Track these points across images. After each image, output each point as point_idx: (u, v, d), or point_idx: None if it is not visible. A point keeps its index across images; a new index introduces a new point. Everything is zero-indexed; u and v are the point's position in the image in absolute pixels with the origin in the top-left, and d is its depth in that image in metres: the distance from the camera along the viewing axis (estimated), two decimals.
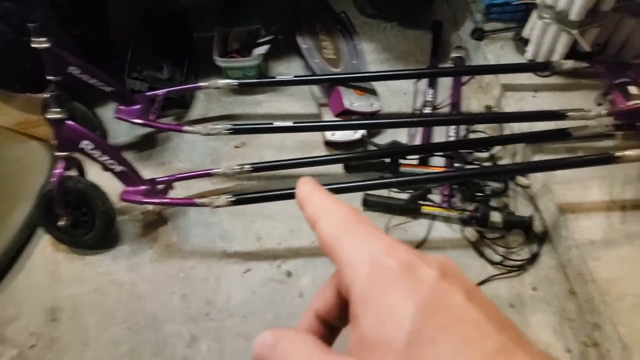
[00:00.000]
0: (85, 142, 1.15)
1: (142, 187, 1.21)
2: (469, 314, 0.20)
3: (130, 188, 1.21)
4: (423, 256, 0.22)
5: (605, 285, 1.09)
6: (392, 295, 0.21)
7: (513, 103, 1.32)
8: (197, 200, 1.16)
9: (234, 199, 1.12)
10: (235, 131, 1.23)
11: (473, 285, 0.22)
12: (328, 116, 1.37)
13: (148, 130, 1.43)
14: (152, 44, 1.42)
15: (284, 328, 0.25)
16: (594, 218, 1.17)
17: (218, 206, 1.14)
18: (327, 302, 0.27)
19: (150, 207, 1.32)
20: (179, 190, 1.33)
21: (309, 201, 0.26)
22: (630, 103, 1.21)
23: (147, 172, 1.39)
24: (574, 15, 1.21)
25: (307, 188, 0.27)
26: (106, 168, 1.18)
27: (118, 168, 1.18)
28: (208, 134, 1.25)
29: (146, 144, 1.44)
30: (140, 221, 1.31)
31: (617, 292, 1.08)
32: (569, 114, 1.19)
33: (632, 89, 1.24)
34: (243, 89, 1.47)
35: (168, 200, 1.20)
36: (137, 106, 1.31)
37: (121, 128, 1.44)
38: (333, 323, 0.28)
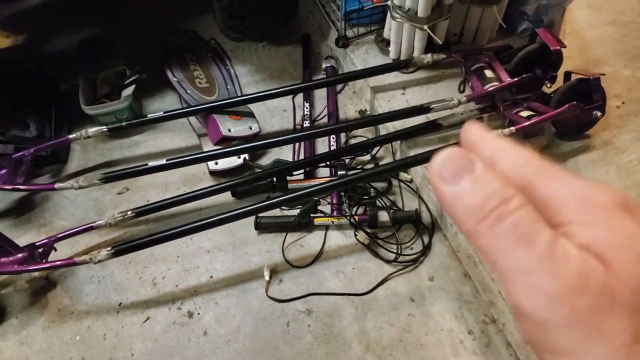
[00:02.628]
0: None
1: (18, 256, 1.14)
2: None
3: (3, 259, 1.14)
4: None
5: None
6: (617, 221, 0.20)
7: (384, 103, 1.36)
8: (78, 259, 1.11)
9: (113, 251, 1.08)
10: (108, 179, 1.19)
11: None
12: (209, 146, 1.35)
13: (23, 193, 1.35)
14: (12, 101, 1.35)
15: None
16: None
17: (100, 261, 1.09)
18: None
19: (35, 273, 1.25)
20: (65, 250, 1.27)
21: (483, 142, 0.24)
22: (487, 86, 1.27)
23: (28, 237, 1.32)
24: (421, 12, 1.26)
25: (476, 130, 0.25)
26: None
27: None
28: (81, 187, 1.20)
29: (24, 208, 1.36)
30: (26, 290, 1.23)
31: None
32: (433, 106, 1.24)
33: (488, 73, 1.31)
34: (119, 133, 1.42)
35: (47, 265, 1.14)
36: (2, 171, 1.24)
37: None
38: None
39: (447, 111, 1.29)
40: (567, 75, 1.27)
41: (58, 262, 1.15)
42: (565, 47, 1.25)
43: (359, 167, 1.34)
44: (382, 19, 1.46)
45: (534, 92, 1.30)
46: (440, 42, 1.30)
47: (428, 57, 1.32)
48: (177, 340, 1.14)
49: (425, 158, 1.17)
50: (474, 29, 1.40)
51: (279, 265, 1.23)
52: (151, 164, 1.21)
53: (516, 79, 1.25)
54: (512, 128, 1.15)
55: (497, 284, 1.11)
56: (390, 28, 1.37)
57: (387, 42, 1.42)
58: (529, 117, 1.21)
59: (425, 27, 1.27)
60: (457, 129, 1.34)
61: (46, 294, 1.23)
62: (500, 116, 1.28)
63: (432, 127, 1.26)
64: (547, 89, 1.30)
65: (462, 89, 1.34)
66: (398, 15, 1.30)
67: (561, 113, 1.18)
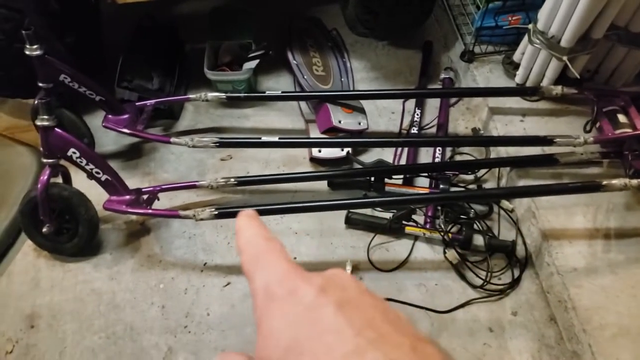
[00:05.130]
0: (72, 150, 1.15)
1: (127, 197, 1.21)
2: (335, 323, 0.22)
3: (114, 197, 1.21)
4: (311, 277, 0.25)
5: (585, 314, 1.08)
6: (273, 318, 0.24)
7: (500, 126, 1.32)
8: (181, 213, 1.16)
9: (217, 212, 1.12)
10: (222, 144, 1.24)
11: (357, 292, 0.24)
12: (315, 132, 1.37)
13: (135, 139, 1.43)
14: (143, 54, 1.43)
15: (230, 353, 0.28)
16: (577, 245, 1.16)
17: (202, 219, 1.13)
18: None
19: (134, 216, 1.32)
20: (164, 201, 1.33)
21: (238, 234, 0.30)
22: (618, 131, 1.21)
23: (133, 182, 1.40)
24: (565, 42, 1.21)
25: (242, 220, 0.30)
26: (91, 176, 1.19)
27: (103, 177, 1.19)
28: (195, 147, 1.26)
29: (133, 154, 1.44)
30: (123, 230, 1.31)
31: (597, 322, 1.07)
32: (557, 140, 1.19)
33: (621, 117, 1.24)
34: (232, 103, 1.47)
35: (152, 211, 1.20)
36: (126, 115, 1.32)
37: (109, 136, 1.45)
38: None
39: (567, 148, 1.23)
40: None
41: (163, 211, 1.22)
42: None
43: (461, 184, 1.31)
44: (513, 40, 1.42)
45: None
46: (578, 76, 1.24)
47: (558, 89, 1.26)
48: (252, 311, 1.17)
49: (537, 192, 1.14)
50: (612, 69, 1.33)
51: (362, 263, 1.23)
52: (264, 138, 1.24)
53: None
54: None
55: (588, 337, 1.06)
56: (524, 52, 1.32)
57: (515, 66, 1.38)
58: None
59: (565, 58, 1.22)
60: (573, 168, 1.28)
61: (140, 239, 1.30)
62: (625, 165, 1.21)
63: (548, 160, 1.21)
64: None
65: (588, 128, 1.28)
66: (537, 41, 1.26)
67: None
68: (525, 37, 1.32)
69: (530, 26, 1.27)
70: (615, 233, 1.18)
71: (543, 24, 1.23)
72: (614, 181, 1.06)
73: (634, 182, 1.06)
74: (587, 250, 1.15)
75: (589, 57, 1.27)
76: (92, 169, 1.16)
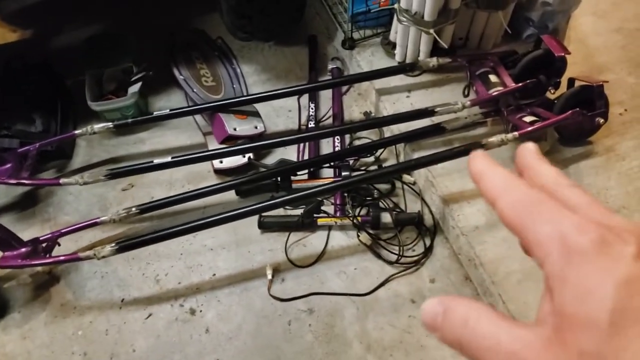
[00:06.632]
0: None
1: (22, 250, 1.15)
2: None
3: (8, 253, 1.14)
4: (618, 230, 0.22)
5: (492, 267, 1.15)
6: (589, 274, 0.21)
7: (389, 106, 1.37)
8: (81, 255, 1.11)
9: (117, 247, 1.08)
10: (114, 175, 1.20)
11: None
12: (214, 144, 1.36)
13: (28, 187, 1.36)
14: (18, 97, 1.35)
15: (452, 296, 0.25)
16: (475, 204, 1.23)
17: (104, 256, 1.09)
18: None
19: (39, 267, 1.25)
20: (69, 245, 1.27)
21: (484, 178, 0.26)
22: (491, 91, 1.28)
23: (32, 232, 1.33)
24: (428, 16, 1.27)
25: (480, 163, 0.26)
26: None
27: None
28: (86, 183, 1.21)
29: (28, 202, 1.36)
30: (29, 284, 1.24)
31: (503, 271, 1.14)
32: (437, 109, 1.25)
33: (492, 77, 1.32)
34: (124, 129, 1.43)
35: (50, 259, 1.15)
36: (8, 165, 1.25)
37: None
38: None
39: (452, 115, 1.30)
40: (571, 81, 1.28)
41: (62, 257, 1.16)
42: (569, 53, 1.26)
43: (362, 168, 1.34)
44: (388, 22, 1.47)
45: (537, 97, 1.31)
46: (446, 46, 1.31)
47: (433, 61, 1.33)
48: (179, 337, 1.15)
49: (429, 161, 1.19)
50: (480, 33, 1.41)
51: (282, 264, 1.24)
52: (156, 161, 1.21)
53: (520, 84, 1.26)
54: (516, 133, 1.15)
55: (497, 287, 1.12)
56: (397, 31, 1.38)
57: (393, 45, 1.43)
58: (532, 123, 1.21)
59: (431, 31, 1.28)
60: (460, 133, 1.35)
61: (49, 289, 1.23)
62: (503, 121, 1.29)
63: (436, 130, 1.27)
64: (551, 94, 1.31)
65: (466, 93, 1.35)
66: (404, 19, 1.31)
67: (564, 119, 1.19)
68: (395, 17, 1.37)
69: (396, 6, 1.32)
70: None
71: (405, 2, 1.28)
72: (492, 139, 1.12)
73: (509, 136, 1.13)
74: (485, 207, 1.22)
75: (455, 26, 1.34)
76: None
